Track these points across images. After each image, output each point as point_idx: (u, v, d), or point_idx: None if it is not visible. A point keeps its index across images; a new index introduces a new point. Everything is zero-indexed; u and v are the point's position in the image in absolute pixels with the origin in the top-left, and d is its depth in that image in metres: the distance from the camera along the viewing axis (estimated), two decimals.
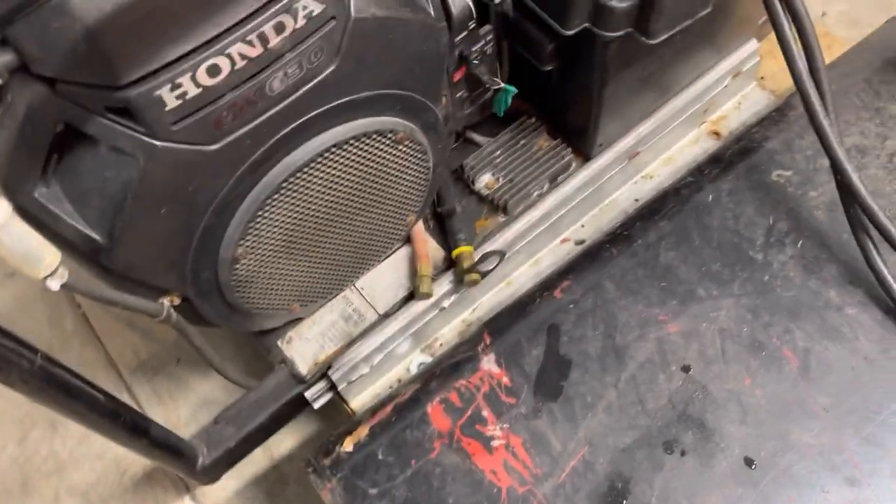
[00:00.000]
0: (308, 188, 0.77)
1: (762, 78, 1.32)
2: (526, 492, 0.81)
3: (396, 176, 0.86)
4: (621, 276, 0.92)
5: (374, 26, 0.70)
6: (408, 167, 0.86)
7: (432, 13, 0.78)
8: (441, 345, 1.10)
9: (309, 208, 0.80)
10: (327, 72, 0.69)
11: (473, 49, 0.89)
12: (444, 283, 1.02)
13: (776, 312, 0.88)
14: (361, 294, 1.01)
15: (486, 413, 0.85)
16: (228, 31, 0.61)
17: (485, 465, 0.82)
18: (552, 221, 1.13)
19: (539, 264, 1.18)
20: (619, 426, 0.83)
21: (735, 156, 1.01)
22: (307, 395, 0.98)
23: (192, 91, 0.61)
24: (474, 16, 0.86)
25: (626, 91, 1.01)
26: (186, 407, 1.26)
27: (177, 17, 0.57)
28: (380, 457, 0.83)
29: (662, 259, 0.93)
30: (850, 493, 0.78)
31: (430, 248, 1.04)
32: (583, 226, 1.22)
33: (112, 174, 0.64)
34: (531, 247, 1.11)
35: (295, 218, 0.79)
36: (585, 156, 1.09)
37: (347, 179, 0.80)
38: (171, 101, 0.60)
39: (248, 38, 0.61)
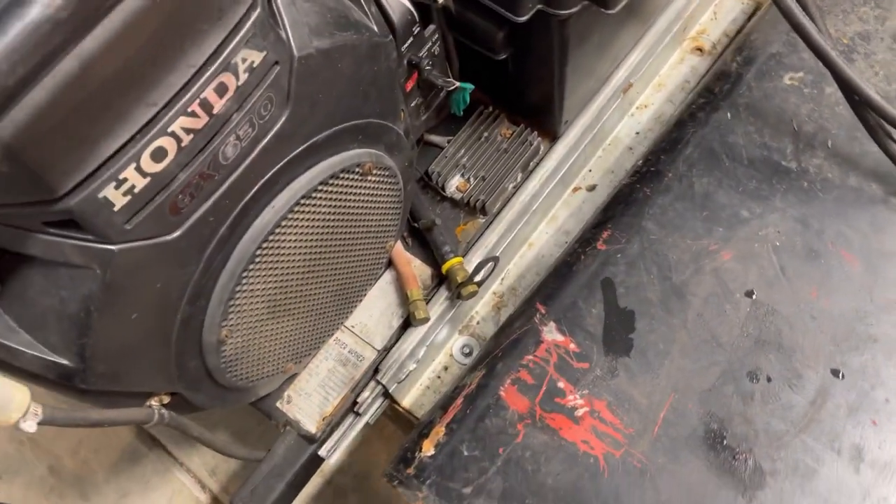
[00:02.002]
0: (283, 248, 0.65)
1: None
2: (623, 454, 0.71)
3: (370, 207, 0.74)
4: (661, 214, 0.81)
5: (320, 61, 0.59)
6: (380, 195, 0.74)
7: (375, 28, 0.65)
8: (478, 322, 1.01)
9: (288, 267, 0.68)
10: (281, 122, 0.58)
11: (422, 53, 0.77)
12: (440, 300, 0.88)
13: (824, 217, 0.79)
14: (354, 333, 0.88)
15: (561, 384, 0.74)
16: (166, 107, 0.49)
17: (574, 436, 0.72)
18: (561, 174, 1.01)
19: (556, 219, 1.02)
20: (699, 366, 0.73)
21: (741, 67, 0.89)
22: (322, 451, 0.86)
23: (140, 182, 0.50)
24: (417, 19, 0.74)
25: (587, 60, 0.88)
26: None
27: (104, 108, 0.46)
28: (465, 453, 0.72)
29: (698, 188, 0.81)
30: None
31: (416, 268, 0.90)
32: (590, 170, 1.16)
33: (68, 292, 0.53)
34: (545, 203, 0.99)
35: (275, 282, 0.67)
36: (552, 135, 0.96)
37: (322, 226, 0.69)
38: (119, 200, 0.50)
39: (190, 108, 0.50)
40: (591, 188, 1.05)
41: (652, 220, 0.81)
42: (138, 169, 0.50)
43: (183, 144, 0.52)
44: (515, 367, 0.76)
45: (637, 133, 1.08)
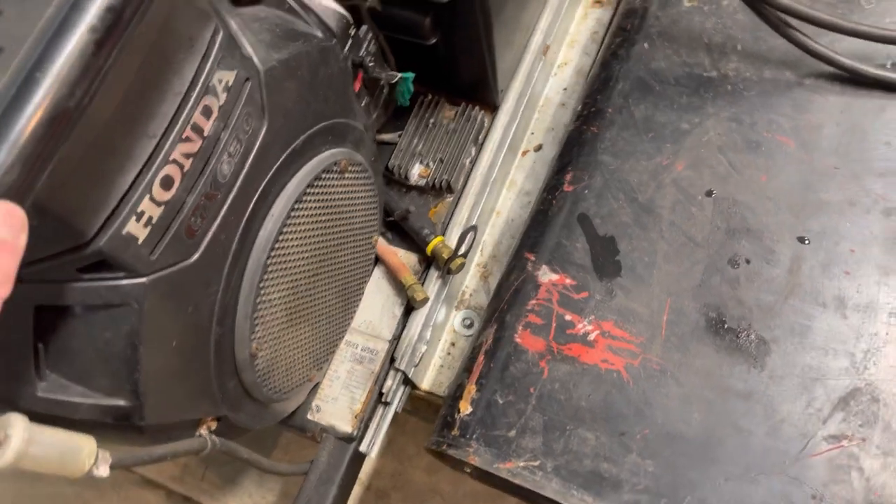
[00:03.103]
0: (289, 254, 0.69)
1: None
2: (641, 361, 0.76)
3: (352, 203, 0.78)
4: (612, 146, 0.87)
5: (282, 71, 0.63)
6: (358, 190, 0.79)
7: (320, 35, 0.70)
8: (470, 295, 1.07)
9: (296, 272, 0.72)
10: (262, 134, 0.62)
11: (361, 53, 0.81)
12: (433, 280, 0.94)
13: (753, 111, 0.86)
14: (362, 332, 0.93)
15: (568, 317, 0.79)
16: (164, 136, 0.53)
17: (593, 358, 0.77)
18: (509, 140, 1.13)
19: (515, 184, 1.10)
20: (684, 267, 0.79)
21: (644, 2, 0.97)
22: (363, 447, 0.89)
23: (156, 212, 0.53)
24: (352, 21, 0.78)
25: (508, 28, 0.93)
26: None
27: (111, 147, 0.49)
28: (500, 401, 0.76)
29: (637, 115, 0.88)
30: (889, 221, 0.81)
31: (402, 257, 0.96)
32: (532, 133, 1.22)
33: (111, 333, 0.55)
34: (502, 171, 1.04)
35: (288, 288, 0.71)
36: (492, 106, 1.02)
37: (317, 228, 0.73)
38: (141, 232, 0.53)
39: (185, 134, 0.54)
40: (538, 148, 1.11)
41: (606, 153, 0.87)
42: (152, 199, 0.53)
43: (185, 169, 0.55)
44: (523, 314, 0.81)
45: (564, 89, 1.15)
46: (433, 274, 0.95)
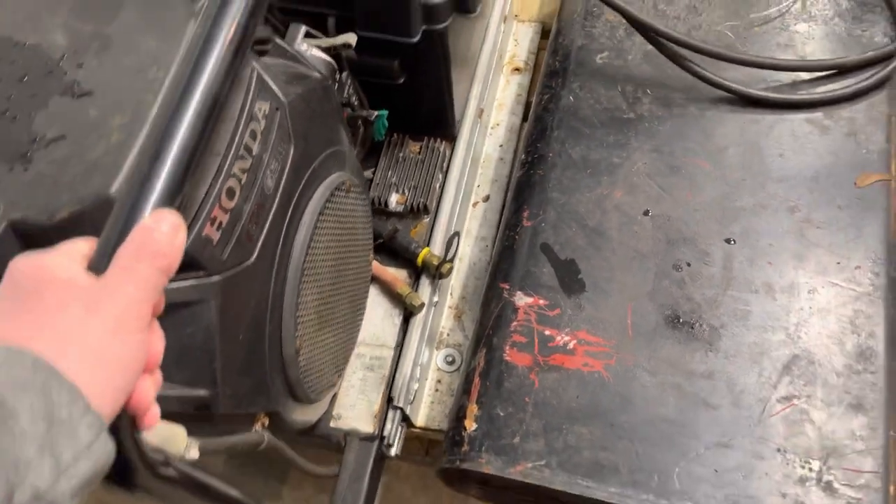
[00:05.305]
0: (317, 260, 0.78)
1: (517, 15, 1.55)
2: (616, 360, 0.86)
3: (356, 219, 0.89)
4: (559, 184, 0.99)
5: (300, 103, 0.72)
6: (359, 208, 0.89)
7: (319, 75, 0.80)
8: (448, 334, 1.16)
9: (323, 278, 0.80)
10: (291, 154, 0.71)
11: (345, 95, 0.93)
12: (425, 287, 1.08)
13: (671, 141, 1.01)
14: (368, 343, 1.04)
15: (548, 332, 0.89)
16: (225, 154, 0.60)
17: (576, 364, 0.86)
18: (462, 193, 1.28)
19: (471, 232, 1.24)
20: (638, 277, 0.91)
21: (563, 62, 1.12)
22: (386, 435, 0.99)
23: (224, 218, 0.61)
24: (336, 67, 0.89)
25: (461, 62, 1.09)
26: None
27: (197, 162, 0.55)
28: (501, 414, 0.84)
29: (574, 155, 1.00)
30: (794, 217, 0.94)
31: (394, 272, 1.09)
32: (479, 185, 1.35)
33: (191, 329, 0.62)
34: (458, 224, 1.20)
35: (318, 293, 0.79)
36: (451, 137, 1.17)
37: (335, 239, 0.82)
38: (215, 235, 0.60)
39: (240, 153, 0.62)
40: (486, 198, 1.24)
41: (555, 191, 1.00)
42: (221, 207, 0.61)
43: (243, 182, 0.63)
44: (508, 335, 0.91)
45: (501, 146, 1.29)
46: (424, 283, 1.08)
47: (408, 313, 1.07)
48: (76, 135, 0.58)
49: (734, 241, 0.94)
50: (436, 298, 1.09)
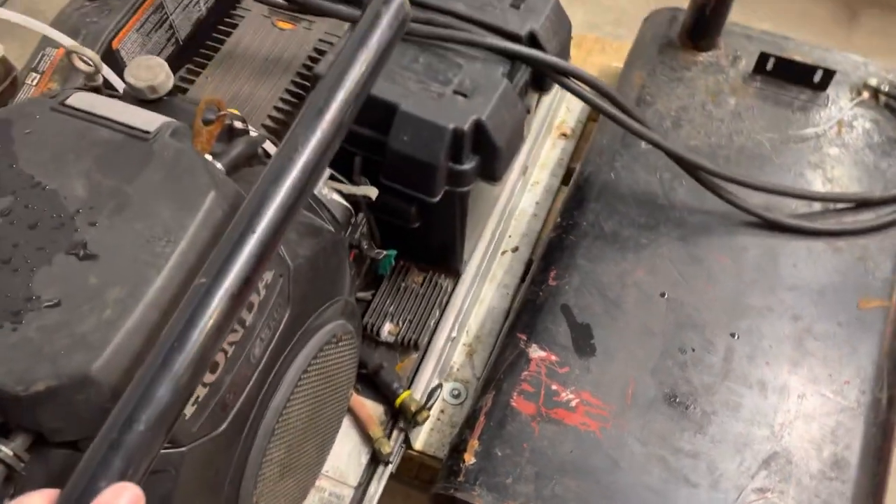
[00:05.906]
0: (291, 418, 0.75)
1: None
2: (612, 425, 0.93)
3: (341, 367, 0.85)
4: (587, 252, 1.06)
5: (306, 266, 0.69)
6: (346, 355, 0.85)
7: (332, 229, 0.77)
8: (458, 369, 1.23)
9: (293, 433, 0.77)
10: (285, 320, 0.67)
11: (357, 235, 0.92)
12: (397, 432, 1.04)
13: (696, 233, 1.08)
14: (330, 477, 0.99)
15: (554, 386, 0.96)
16: None
17: (575, 421, 0.93)
18: (495, 241, 1.36)
19: (496, 278, 1.34)
20: (645, 352, 0.98)
21: (610, 141, 1.20)
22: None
23: (202, 392, 0.58)
24: (353, 212, 0.88)
25: (477, 214, 1.08)
26: None
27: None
28: (499, 454, 0.91)
29: (606, 229, 1.08)
30: (796, 324, 1.01)
31: (370, 409, 1.05)
32: (510, 236, 1.44)
33: (148, 497, 0.53)
34: (486, 269, 1.28)
35: (285, 447, 0.76)
36: (455, 273, 1.16)
37: (313, 393, 0.78)
38: (189, 409, 0.57)
39: (234, 327, 0.59)
40: (515, 249, 1.31)
41: (583, 258, 1.08)
42: (202, 382, 0.57)
43: (228, 355, 0.60)
44: (518, 383, 0.98)
45: (537, 203, 1.37)
46: (399, 425, 1.06)
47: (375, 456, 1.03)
48: (71, 302, 0.54)
49: (738, 336, 1.01)
50: (454, 334, 1.15)
